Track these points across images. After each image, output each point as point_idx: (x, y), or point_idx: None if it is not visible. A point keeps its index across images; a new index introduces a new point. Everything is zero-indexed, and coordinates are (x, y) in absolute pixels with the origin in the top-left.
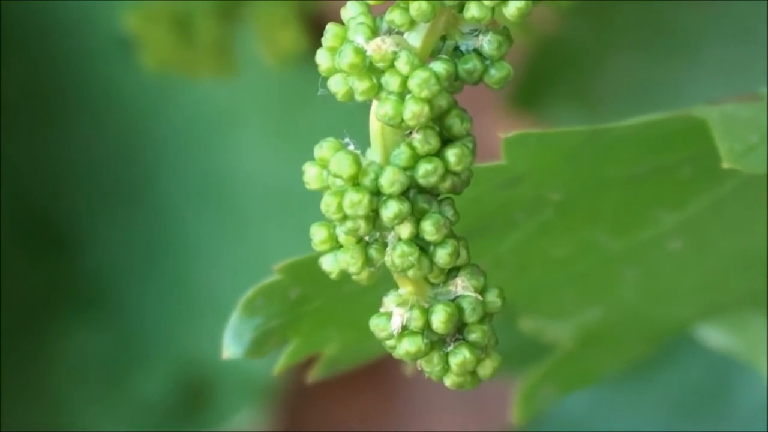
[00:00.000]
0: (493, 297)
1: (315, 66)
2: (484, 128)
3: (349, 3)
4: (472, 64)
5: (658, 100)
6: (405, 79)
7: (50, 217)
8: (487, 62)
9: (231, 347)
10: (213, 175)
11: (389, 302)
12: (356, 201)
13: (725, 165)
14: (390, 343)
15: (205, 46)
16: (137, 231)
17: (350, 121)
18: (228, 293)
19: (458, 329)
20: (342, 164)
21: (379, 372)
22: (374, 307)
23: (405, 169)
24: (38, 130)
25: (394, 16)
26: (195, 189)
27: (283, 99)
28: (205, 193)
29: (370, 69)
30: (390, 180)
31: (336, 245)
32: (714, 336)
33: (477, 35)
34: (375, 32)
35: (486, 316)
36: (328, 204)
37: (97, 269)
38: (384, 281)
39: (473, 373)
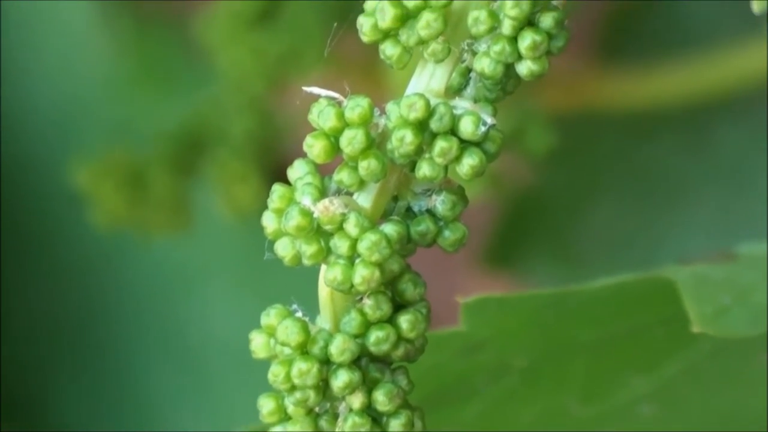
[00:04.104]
0: None
1: None
2: (457, 285)
3: (295, 162)
4: (424, 225)
5: (640, 254)
6: (354, 242)
7: (7, 380)
8: (441, 223)
9: None
10: (176, 337)
11: None
12: (305, 370)
13: (695, 329)
14: None
15: (159, 203)
16: (99, 396)
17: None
18: None
19: None
20: (289, 332)
21: None
22: None
23: (356, 336)
24: None
25: (342, 175)
26: (158, 351)
27: (245, 255)
28: (168, 356)
29: (317, 232)
30: (340, 348)
31: (285, 417)
32: None
33: (430, 195)
34: (323, 193)
35: None
36: (275, 374)
37: None
38: None
39: None
